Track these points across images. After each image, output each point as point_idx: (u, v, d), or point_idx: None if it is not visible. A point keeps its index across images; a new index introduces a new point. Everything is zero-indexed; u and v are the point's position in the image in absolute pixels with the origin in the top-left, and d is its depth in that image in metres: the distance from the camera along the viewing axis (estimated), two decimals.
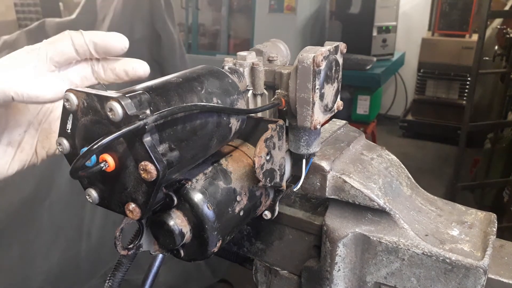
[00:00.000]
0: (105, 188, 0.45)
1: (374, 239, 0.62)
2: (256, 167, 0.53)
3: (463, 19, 4.33)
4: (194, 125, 0.47)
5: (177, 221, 0.50)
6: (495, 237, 0.62)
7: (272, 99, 0.62)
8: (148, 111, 0.41)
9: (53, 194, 1.87)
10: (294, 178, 0.66)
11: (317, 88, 0.55)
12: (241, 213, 0.56)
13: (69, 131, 0.45)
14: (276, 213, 0.63)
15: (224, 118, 0.52)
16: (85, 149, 0.38)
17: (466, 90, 4.38)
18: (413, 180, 0.71)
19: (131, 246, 0.52)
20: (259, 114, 0.63)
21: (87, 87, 0.45)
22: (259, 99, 0.65)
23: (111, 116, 0.40)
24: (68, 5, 4.08)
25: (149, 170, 0.40)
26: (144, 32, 2.13)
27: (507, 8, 3.80)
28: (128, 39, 0.55)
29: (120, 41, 0.55)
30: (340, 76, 0.60)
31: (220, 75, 0.55)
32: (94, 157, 0.41)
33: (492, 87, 3.89)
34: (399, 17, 4.14)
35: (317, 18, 4.02)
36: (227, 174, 0.55)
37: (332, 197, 0.64)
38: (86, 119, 0.43)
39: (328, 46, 0.57)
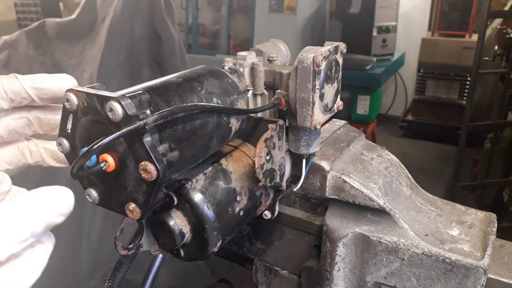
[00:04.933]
0: (105, 188, 0.45)
1: (374, 239, 0.62)
2: (256, 167, 0.53)
3: (463, 19, 4.33)
4: (194, 125, 0.47)
5: (177, 221, 0.50)
6: (495, 237, 0.62)
7: (272, 99, 0.62)
8: (148, 111, 0.41)
9: None
10: (294, 178, 0.66)
11: (317, 88, 0.55)
12: (241, 213, 0.56)
13: (69, 131, 0.45)
14: (276, 213, 0.63)
15: (224, 118, 0.52)
16: (85, 149, 0.38)
17: (466, 90, 4.38)
18: (413, 180, 0.71)
19: (131, 246, 0.52)
20: (259, 114, 0.63)
21: (89, 86, 0.44)
22: (259, 99, 0.65)
23: (111, 116, 0.40)
24: (68, 5, 4.08)
25: (149, 170, 0.40)
26: (144, 32, 2.13)
27: (507, 8, 3.80)
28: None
29: (67, 82, 0.47)
30: (340, 76, 0.60)
31: (220, 75, 0.55)
32: (94, 157, 0.41)
33: (492, 87, 3.88)
34: (399, 17, 4.15)
35: (317, 18, 4.02)
36: (227, 174, 0.55)
37: (332, 197, 0.64)
38: (86, 119, 0.43)
39: (328, 46, 0.57)
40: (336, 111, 0.62)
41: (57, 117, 0.50)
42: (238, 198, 0.55)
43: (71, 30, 2.16)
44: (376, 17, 3.87)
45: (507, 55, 3.07)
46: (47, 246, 0.38)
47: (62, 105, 0.45)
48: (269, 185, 0.57)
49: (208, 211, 0.50)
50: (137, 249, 0.52)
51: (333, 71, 0.57)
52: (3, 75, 0.46)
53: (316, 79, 0.54)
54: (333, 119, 0.79)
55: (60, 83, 0.47)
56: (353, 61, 3.67)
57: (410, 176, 0.71)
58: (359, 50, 3.77)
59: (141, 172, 0.41)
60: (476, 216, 0.67)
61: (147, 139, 0.40)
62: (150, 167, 0.40)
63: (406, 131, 4.90)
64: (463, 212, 0.68)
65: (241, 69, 0.62)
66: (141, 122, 0.39)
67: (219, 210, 0.52)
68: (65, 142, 0.46)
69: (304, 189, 0.65)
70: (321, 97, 0.56)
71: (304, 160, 0.62)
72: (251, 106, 0.64)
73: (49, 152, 0.52)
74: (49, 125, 0.51)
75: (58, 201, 0.38)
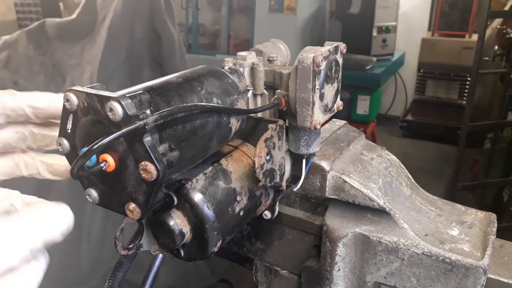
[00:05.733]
0: (105, 188, 0.45)
1: (374, 239, 0.62)
2: (256, 167, 0.53)
3: (463, 19, 4.34)
4: (194, 125, 0.47)
5: (177, 221, 0.50)
6: (495, 237, 0.62)
7: (272, 99, 0.62)
8: (148, 111, 0.41)
9: (53, 194, 1.87)
10: (294, 178, 0.66)
11: (317, 88, 0.55)
12: (241, 213, 0.56)
13: (69, 131, 0.45)
14: (276, 213, 0.63)
15: (224, 118, 0.52)
16: (85, 149, 0.39)
17: (466, 90, 4.39)
18: (413, 180, 0.71)
19: (131, 246, 0.52)
20: (259, 114, 0.63)
21: (89, 87, 0.44)
22: (259, 99, 0.65)
23: (111, 116, 0.40)
24: (68, 5, 4.08)
25: (149, 170, 0.40)
26: (144, 32, 2.13)
27: (507, 8, 3.80)
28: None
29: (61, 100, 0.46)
30: (340, 76, 0.60)
31: (220, 75, 0.55)
32: (94, 157, 0.41)
33: (492, 87, 3.89)
34: (399, 17, 4.15)
35: (317, 18, 4.02)
36: (227, 174, 0.55)
37: (332, 197, 0.64)
38: (86, 119, 0.43)
39: (328, 46, 0.57)
40: (336, 111, 0.62)
41: (52, 133, 0.51)
42: (238, 198, 0.55)
43: (71, 30, 2.16)
44: (376, 17, 3.87)
45: (507, 55, 3.07)
46: (42, 264, 0.38)
47: (57, 122, 0.46)
48: (269, 185, 0.57)
49: (208, 211, 0.50)
50: (137, 249, 0.52)
51: (333, 71, 0.57)
52: (2, 90, 0.47)
53: (316, 79, 0.54)
54: (333, 119, 0.79)
55: (57, 103, 0.48)
56: (353, 61, 3.67)
57: (410, 176, 0.71)
58: (359, 50, 3.78)
59: (141, 172, 0.41)
60: (476, 216, 0.67)
61: (147, 139, 0.40)
62: (150, 167, 0.40)
63: (406, 131, 4.91)
64: (463, 212, 0.68)
65: (241, 69, 0.62)
66: (141, 122, 0.39)
67: (219, 210, 0.52)
68: (65, 142, 0.46)
69: (304, 189, 0.65)
70: (321, 97, 0.56)
71: (304, 160, 0.62)
72: (251, 106, 0.64)
73: (46, 166, 0.53)
74: (44, 140, 0.51)
75: (59, 219, 0.37)
